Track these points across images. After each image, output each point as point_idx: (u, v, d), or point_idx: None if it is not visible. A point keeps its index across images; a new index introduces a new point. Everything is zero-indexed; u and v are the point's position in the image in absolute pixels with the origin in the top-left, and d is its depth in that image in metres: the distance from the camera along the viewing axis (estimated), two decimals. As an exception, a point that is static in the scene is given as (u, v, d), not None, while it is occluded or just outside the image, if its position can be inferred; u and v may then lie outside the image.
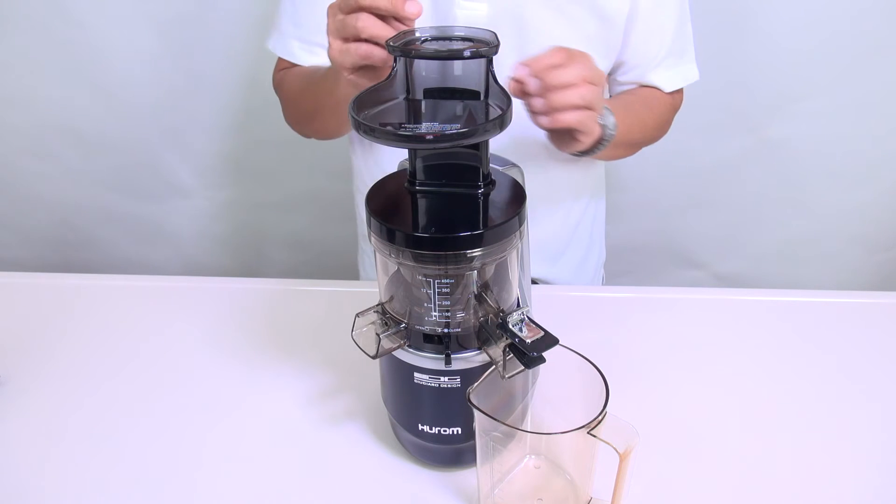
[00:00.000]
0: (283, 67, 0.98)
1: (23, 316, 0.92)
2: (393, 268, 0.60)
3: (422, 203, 0.60)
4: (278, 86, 0.99)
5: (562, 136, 0.75)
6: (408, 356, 0.61)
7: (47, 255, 1.71)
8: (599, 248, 1.14)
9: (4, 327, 0.89)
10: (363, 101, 0.58)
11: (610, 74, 0.95)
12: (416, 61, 0.58)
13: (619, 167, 1.49)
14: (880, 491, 0.65)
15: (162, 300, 0.94)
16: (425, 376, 0.61)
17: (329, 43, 0.67)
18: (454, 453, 0.67)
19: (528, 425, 0.66)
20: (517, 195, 0.59)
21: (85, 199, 1.61)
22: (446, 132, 0.52)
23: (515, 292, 0.63)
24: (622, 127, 0.81)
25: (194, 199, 1.61)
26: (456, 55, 0.57)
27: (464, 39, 0.59)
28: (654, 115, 0.95)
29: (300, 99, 0.93)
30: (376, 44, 0.63)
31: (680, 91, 0.98)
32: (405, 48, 0.57)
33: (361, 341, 0.61)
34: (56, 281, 1.00)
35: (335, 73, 0.73)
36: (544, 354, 0.56)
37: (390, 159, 0.99)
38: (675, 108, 1.00)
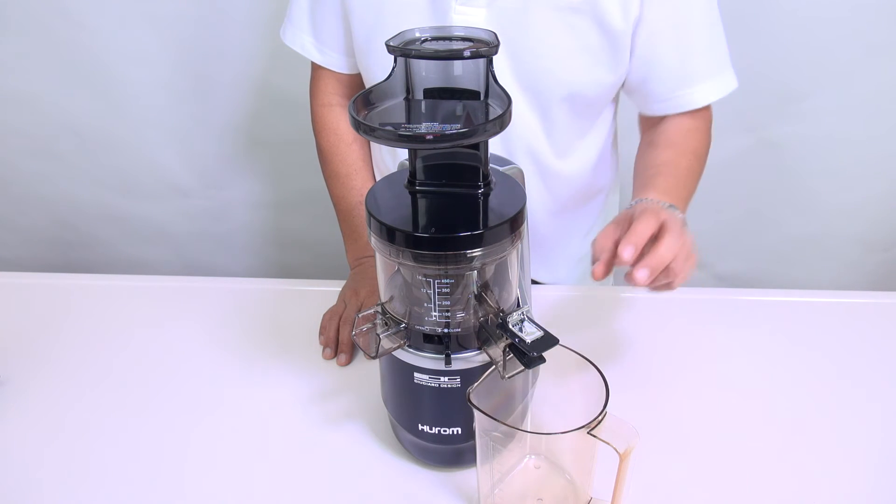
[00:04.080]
0: (324, 102, 0.99)
1: (23, 316, 0.92)
2: (393, 268, 0.60)
3: (422, 203, 0.60)
4: (318, 126, 1.00)
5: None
6: (408, 356, 0.61)
7: (47, 255, 1.71)
8: None
9: (4, 327, 0.89)
10: (363, 101, 0.58)
11: (635, 89, 0.90)
12: (416, 61, 0.58)
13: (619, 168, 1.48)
14: (880, 490, 0.65)
15: (162, 300, 0.94)
16: (425, 376, 0.61)
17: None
18: (454, 453, 0.67)
19: (528, 425, 0.66)
20: (517, 195, 0.59)
21: (85, 199, 1.61)
22: (446, 132, 0.52)
23: (515, 292, 0.63)
24: (672, 197, 0.79)
25: (194, 199, 1.60)
26: (456, 55, 0.56)
27: (464, 39, 0.59)
28: (693, 154, 0.89)
29: (331, 186, 1.00)
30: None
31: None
32: (405, 48, 0.57)
33: (361, 341, 0.61)
34: (56, 281, 1.00)
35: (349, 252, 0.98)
36: (544, 354, 0.56)
37: (392, 159, 0.99)
38: (707, 121, 0.93)
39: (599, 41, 0.82)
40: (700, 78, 0.88)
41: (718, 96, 0.89)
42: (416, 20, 0.84)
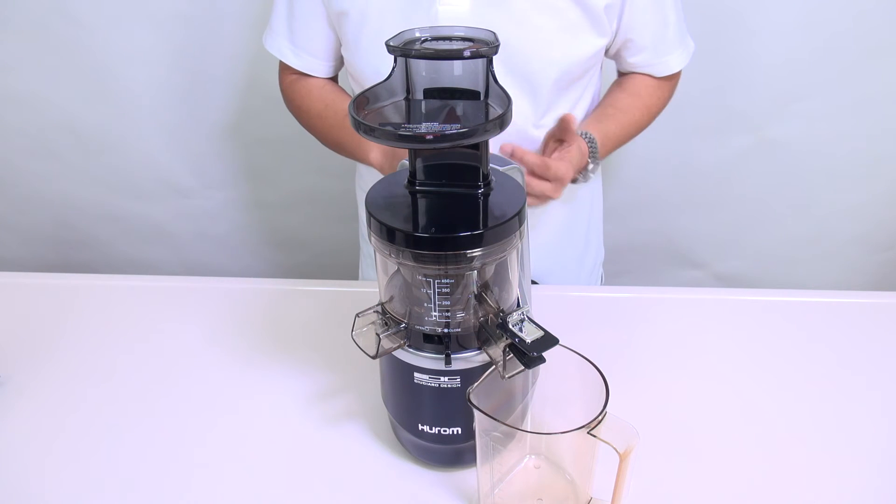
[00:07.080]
0: (293, 73, 1.01)
1: (23, 316, 0.92)
2: (393, 268, 0.60)
3: (422, 203, 0.60)
4: (290, 96, 1.03)
5: None
6: (408, 356, 0.61)
7: (47, 255, 1.71)
8: (597, 247, 1.14)
9: (4, 327, 0.89)
10: (363, 101, 0.58)
11: (615, 53, 0.98)
12: (416, 61, 0.58)
13: (618, 167, 1.49)
14: (880, 490, 0.65)
15: (162, 300, 0.94)
16: (425, 376, 0.61)
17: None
18: (454, 453, 0.67)
19: (528, 425, 0.66)
20: (517, 195, 0.59)
21: (85, 199, 1.61)
22: (446, 132, 0.52)
23: (515, 292, 0.63)
24: (611, 142, 0.96)
25: (194, 199, 1.61)
26: (456, 55, 0.56)
27: (464, 39, 0.59)
28: (647, 109, 1.01)
29: (319, 129, 1.01)
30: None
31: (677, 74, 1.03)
32: (405, 48, 0.57)
33: (361, 341, 0.61)
34: (56, 281, 1.00)
35: (366, 155, 0.93)
36: (544, 354, 0.56)
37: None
38: (672, 88, 1.05)
39: (578, 18, 0.87)
40: (672, 47, 0.99)
41: (687, 62, 1.01)
42: (400, 11, 0.86)
